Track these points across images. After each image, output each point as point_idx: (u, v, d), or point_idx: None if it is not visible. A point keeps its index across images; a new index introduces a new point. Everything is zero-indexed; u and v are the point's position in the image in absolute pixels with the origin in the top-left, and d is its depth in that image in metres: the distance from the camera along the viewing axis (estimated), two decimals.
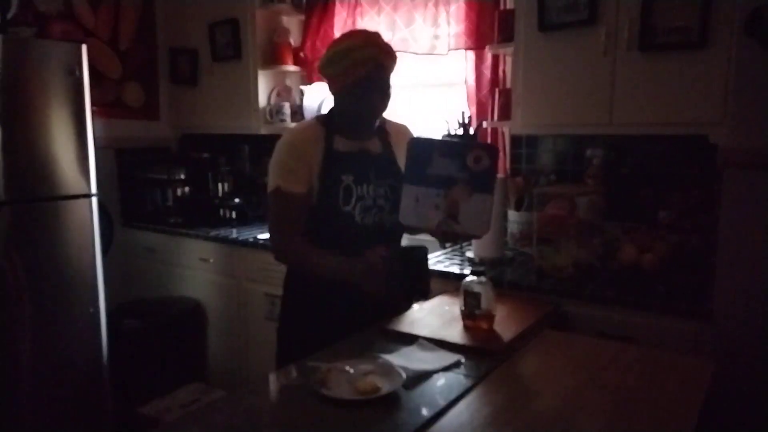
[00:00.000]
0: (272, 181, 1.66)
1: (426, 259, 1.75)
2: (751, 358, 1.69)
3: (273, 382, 1.41)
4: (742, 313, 1.70)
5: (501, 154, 2.66)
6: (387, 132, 1.77)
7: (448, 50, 2.67)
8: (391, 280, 1.54)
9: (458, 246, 2.57)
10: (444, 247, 2.57)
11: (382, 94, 1.65)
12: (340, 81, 1.64)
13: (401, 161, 1.59)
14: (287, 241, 1.67)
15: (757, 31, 1.64)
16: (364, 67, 1.59)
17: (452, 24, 2.64)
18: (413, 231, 1.79)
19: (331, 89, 1.70)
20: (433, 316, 1.74)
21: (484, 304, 1.59)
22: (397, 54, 1.69)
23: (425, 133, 1.49)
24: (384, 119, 1.79)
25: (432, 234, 1.53)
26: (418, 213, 1.45)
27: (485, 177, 1.40)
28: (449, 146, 1.43)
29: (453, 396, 1.26)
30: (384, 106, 1.69)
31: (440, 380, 1.34)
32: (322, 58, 1.67)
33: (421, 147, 1.46)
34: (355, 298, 1.61)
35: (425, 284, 1.77)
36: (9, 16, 2.78)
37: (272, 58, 3.17)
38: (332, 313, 1.67)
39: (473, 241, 2.36)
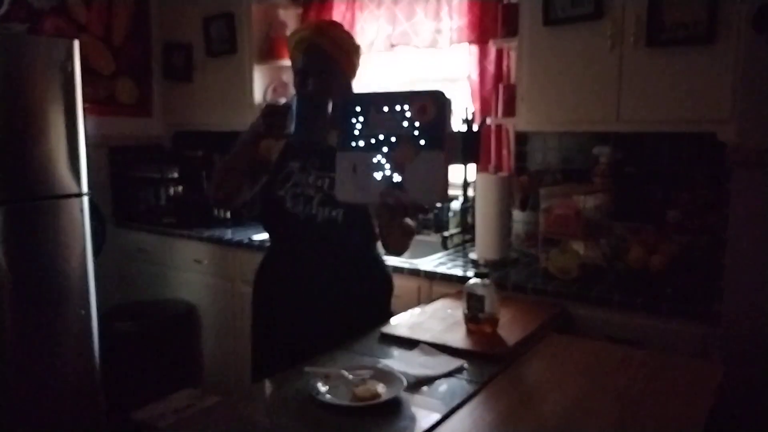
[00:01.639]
0: None
1: (326, 106, 1.49)
2: (760, 361, 1.67)
3: (269, 387, 1.38)
4: (751, 316, 1.68)
5: (504, 151, 2.61)
6: None
7: (451, 44, 2.64)
8: (289, 121, 1.44)
9: (461, 246, 2.53)
10: (446, 248, 2.53)
11: (319, 75, 1.60)
12: (293, 70, 1.67)
13: None
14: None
15: (765, 26, 1.61)
16: (299, 48, 1.62)
17: (454, 17, 2.61)
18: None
19: None
20: (434, 320, 1.72)
21: (487, 307, 1.58)
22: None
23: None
24: None
25: (377, 210, 1.36)
26: (357, 185, 1.19)
27: (433, 130, 1.15)
28: (386, 98, 1.19)
29: (456, 402, 1.24)
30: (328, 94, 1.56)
31: (442, 386, 1.32)
32: None
33: (355, 104, 1.21)
34: (322, 304, 1.61)
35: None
36: (1, 12, 2.75)
37: (268, 53, 3.13)
38: (300, 320, 1.66)
39: (476, 242, 2.32)
